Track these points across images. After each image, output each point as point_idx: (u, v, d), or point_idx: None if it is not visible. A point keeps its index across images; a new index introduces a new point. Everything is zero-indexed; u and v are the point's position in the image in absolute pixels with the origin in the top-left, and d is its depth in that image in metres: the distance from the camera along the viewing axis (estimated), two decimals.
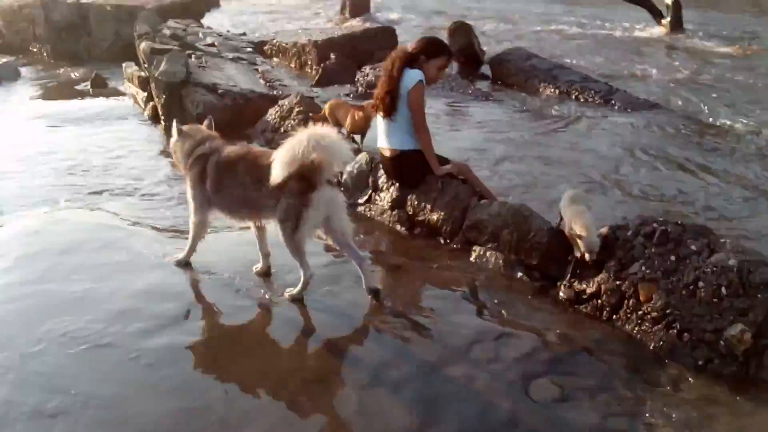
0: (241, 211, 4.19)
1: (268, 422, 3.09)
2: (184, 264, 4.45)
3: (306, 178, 3.69)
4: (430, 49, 4.88)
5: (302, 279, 3.98)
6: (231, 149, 4.17)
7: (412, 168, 4.99)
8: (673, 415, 3.18)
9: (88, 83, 10.72)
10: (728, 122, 8.16)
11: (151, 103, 8.40)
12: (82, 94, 10.33)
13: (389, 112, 4.83)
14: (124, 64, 10.21)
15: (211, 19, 14.97)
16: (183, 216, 5.08)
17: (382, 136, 5.06)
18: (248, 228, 4.42)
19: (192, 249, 4.42)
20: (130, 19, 12.49)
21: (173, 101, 7.85)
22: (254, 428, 3.04)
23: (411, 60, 4.80)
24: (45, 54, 13.13)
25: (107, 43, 12.68)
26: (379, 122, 5.05)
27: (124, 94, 10.03)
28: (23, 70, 11.93)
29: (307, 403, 3.22)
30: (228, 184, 4.07)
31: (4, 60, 11.85)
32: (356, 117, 5.95)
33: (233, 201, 4.13)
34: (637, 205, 5.71)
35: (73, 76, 11.71)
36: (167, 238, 5.07)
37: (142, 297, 4.12)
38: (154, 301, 4.07)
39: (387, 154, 5.05)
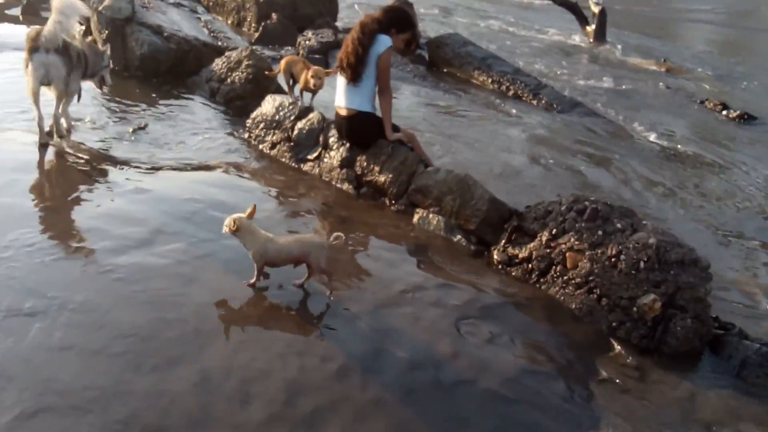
0: None
1: (239, 336, 3.41)
2: None
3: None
4: (400, 23, 5.21)
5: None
6: None
7: (366, 130, 5.30)
8: (588, 365, 3.71)
9: (19, 9, 10.22)
10: (641, 128, 8.90)
11: (90, 38, 8.18)
12: (12, 20, 9.84)
13: (356, 78, 5.11)
14: None
15: None
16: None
17: (340, 96, 5.32)
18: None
19: None
20: None
21: (116, 38, 7.71)
22: (228, 338, 3.37)
23: (381, 30, 5.09)
24: None
25: None
26: (339, 83, 5.31)
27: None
28: None
29: (273, 325, 3.54)
30: None
31: None
32: (311, 77, 6.11)
33: None
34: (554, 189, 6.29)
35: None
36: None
37: (106, 219, 4.27)
38: (118, 224, 4.23)
39: (344, 113, 5.33)
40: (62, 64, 5.28)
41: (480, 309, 4.03)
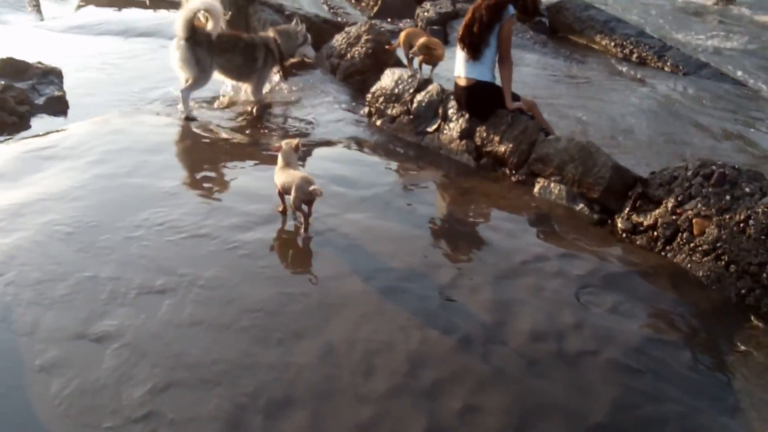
0: None
1: (363, 309, 3.47)
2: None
3: None
4: (523, 4, 5.19)
5: None
6: None
7: (486, 99, 5.28)
8: (716, 334, 3.61)
9: None
10: None
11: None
12: (141, 5, 10.49)
13: (476, 56, 5.14)
14: None
15: None
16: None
17: (460, 67, 5.33)
18: None
19: None
20: None
21: (240, 18, 8.09)
22: (351, 311, 3.43)
23: (504, 4, 5.09)
24: None
25: None
26: (459, 54, 5.35)
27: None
28: None
29: (395, 296, 3.60)
30: None
31: None
32: (432, 48, 6.15)
33: None
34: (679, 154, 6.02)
35: None
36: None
37: (231, 197, 4.51)
38: (243, 201, 4.43)
39: (463, 83, 5.33)
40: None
41: (603, 278, 3.94)
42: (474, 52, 5.15)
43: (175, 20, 5.85)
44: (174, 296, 3.42)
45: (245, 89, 6.42)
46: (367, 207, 4.52)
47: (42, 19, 8.98)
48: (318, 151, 5.52)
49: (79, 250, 3.73)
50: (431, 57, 6.17)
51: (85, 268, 3.57)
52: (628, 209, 4.51)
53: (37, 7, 9.51)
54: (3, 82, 5.80)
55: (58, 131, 5.42)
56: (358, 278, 3.73)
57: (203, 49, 5.86)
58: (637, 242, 4.38)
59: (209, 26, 5.89)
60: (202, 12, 5.86)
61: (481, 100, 5.31)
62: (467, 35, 5.16)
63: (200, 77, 5.94)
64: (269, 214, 4.29)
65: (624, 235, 4.46)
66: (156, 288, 3.47)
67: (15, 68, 6.21)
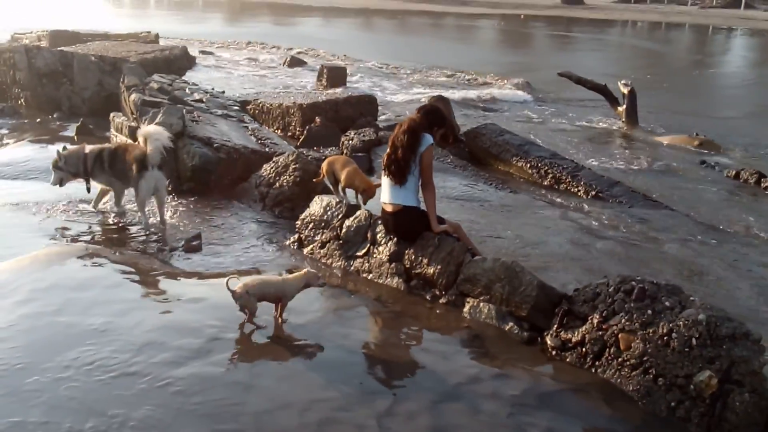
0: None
1: None
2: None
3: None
4: (436, 120, 5.48)
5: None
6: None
7: (412, 223, 5.44)
8: None
9: (74, 130, 10.94)
10: (681, 206, 8.84)
11: None
12: (68, 140, 10.50)
13: (402, 181, 5.36)
14: (111, 114, 10.37)
15: (191, 77, 15.42)
16: None
17: (386, 193, 5.53)
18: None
19: None
20: (114, 71, 12.82)
21: (168, 152, 8.17)
22: None
23: (423, 131, 5.36)
24: (22, 100, 13.30)
25: (89, 93, 12.88)
26: (385, 182, 5.54)
27: (107, 143, 10.22)
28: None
29: (332, 428, 3.56)
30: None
31: None
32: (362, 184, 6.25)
33: None
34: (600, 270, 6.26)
35: (56, 123, 11.92)
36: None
37: (162, 331, 4.41)
38: (174, 335, 4.35)
39: (390, 209, 5.50)
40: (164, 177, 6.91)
41: (537, 398, 4.00)
42: (399, 177, 5.37)
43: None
44: None
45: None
46: (299, 335, 4.53)
47: None
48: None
49: (5, 394, 3.62)
50: (364, 192, 6.27)
51: (13, 413, 3.46)
52: (556, 326, 4.62)
53: None
54: None
55: None
56: (294, 411, 3.69)
57: None
58: (567, 359, 4.47)
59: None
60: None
61: (408, 224, 5.47)
62: (392, 162, 5.39)
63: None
64: (201, 347, 4.23)
65: (554, 352, 4.55)
66: (86, 431, 3.36)
67: None
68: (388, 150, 5.52)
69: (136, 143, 7.01)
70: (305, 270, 4.76)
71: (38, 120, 12.01)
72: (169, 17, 37.78)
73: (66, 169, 6.93)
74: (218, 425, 3.49)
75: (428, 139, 5.35)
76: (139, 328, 4.42)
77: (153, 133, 6.89)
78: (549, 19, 49.04)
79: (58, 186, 6.99)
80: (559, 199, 8.76)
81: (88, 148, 7.06)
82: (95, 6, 43.13)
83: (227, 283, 4.49)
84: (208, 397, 3.73)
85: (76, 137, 10.77)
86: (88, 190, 7.06)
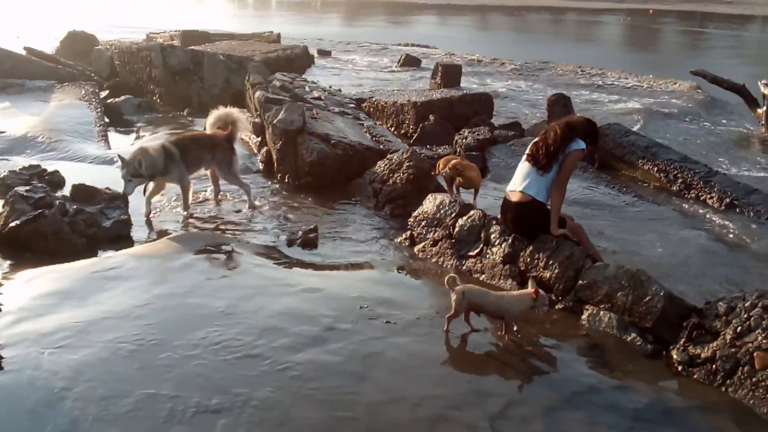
0: None
1: None
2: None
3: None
4: (593, 135, 5.43)
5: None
6: None
7: (534, 220, 5.32)
8: None
9: (202, 125, 11.45)
10: None
11: (265, 148, 9.00)
12: None
13: (547, 167, 5.25)
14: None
15: (309, 76, 15.84)
16: None
17: (518, 180, 5.42)
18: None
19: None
20: (239, 69, 13.37)
21: (288, 147, 8.41)
22: None
23: (579, 135, 5.29)
24: (157, 95, 14.10)
25: (216, 90, 13.48)
26: (522, 168, 5.44)
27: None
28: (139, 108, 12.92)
29: (443, 426, 3.54)
30: None
31: (125, 97, 12.88)
32: (461, 169, 6.24)
33: None
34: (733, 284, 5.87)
35: (186, 119, 12.56)
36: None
37: (282, 318, 4.56)
38: (293, 322, 4.49)
39: (516, 198, 5.39)
40: None
41: (661, 413, 3.81)
42: (545, 163, 5.25)
43: None
44: (228, 416, 3.49)
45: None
46: (412, 331, 4.52)
47: (109, 149, 9.48)
48: (363, 273, 5.61)
49: (141, 367, 3.87)
50: (464, 179, 6.25)
51: (147, 386, 3.68)
52: (683, 340, 4.37)
53: (104, 138, 10.06)
54: (75, 207, 6.12)
55: (122, 252, 5.64)
56: (406, 405, 3.70)
57: None
58: (695, 375, 4.23)
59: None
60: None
61: (529, 219, 5.35)
62: (541, 147, 5.31)
63: None
64: (317, 335, 4.34)
65: (680, 367, 4.31)
66: (212, 407, 3.54)
67: (85, 194, 6.55)
68: (536, 138, 5.47)
69: (194, 131, 7.35)
70: (533, 290, 4.54)
71: (171, 115, 12.67)
72: (290, 17, 38.99)
73: (146, 174, 6.52)
74: (334, 412, 3.57)
75: (581, 143, 5.26)
76: (261, 313, 4.58)
77: (240, 116, 7.35)
78: (681, 14, 46.68)
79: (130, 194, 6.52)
80: (688, 206, 8.28)
81: (149, 146, 6.79)
82: (222, 7, 45.25)
83: (447, 280, 4.57)
84: (323, 383, 3.82)
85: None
86: (145, 192, 6.77)
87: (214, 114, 7.41)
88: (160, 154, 6.64)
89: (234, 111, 7.50)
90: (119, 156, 6.58)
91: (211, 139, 7.23)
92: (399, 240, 6.44)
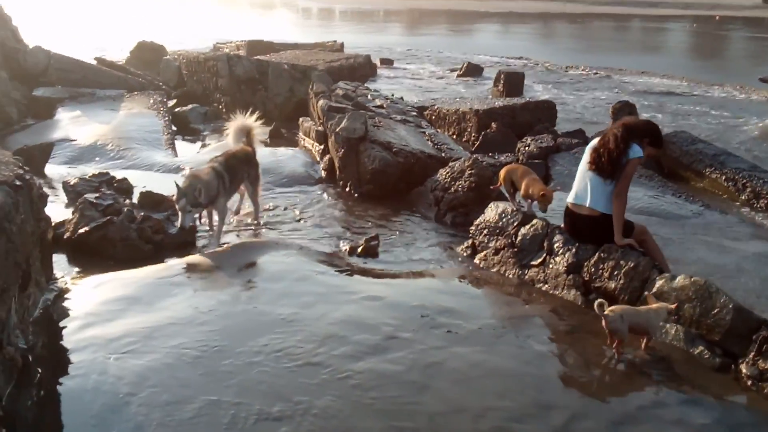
0: None
1: None
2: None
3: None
4: (654, 138, 5.27)
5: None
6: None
7: (605, 233, 5.21)
8: None
9: (267, 134, 11.71)
10: None
11: (328, 156, 9.14)
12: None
13: (613, 174, 5.15)
14: (300, 119, 11.11)
15: (372, 84, 15.99)
16: None
17: (584, 193, 5.32)
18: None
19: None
20: (303, 78, 13.60)
21: (350, 155, 8.52)
22: None
23: (638, 136, 5.18)
24: (223, 104, 14.47)
25: (281, 99, 13.76)
26: (583, 177, 5.34)
27: (296, 145, 10.85)
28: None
29: None
30: None
31: (192, 105, 13.28)
32: (539, 190, 6.12)
33: None
34: None
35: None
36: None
37: (342, 326, 4.59)
38: (354, 330, 4.53)
39: (585, 212, 5.31)
40: None
41: (730, 429, 3.70)
42: (610, 169, 5.14)
43: None
44: (290, 424, 3.52)
45: None
46: (474, 341, 4.50)
47: (176, 156, 9.76)
48: (423, 282, 5.61)
49: (204, 373, 3.92)
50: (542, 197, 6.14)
51: (210, 392, 3.73)
52: (753, 354, 4.23)
53: (172, 146, 10.38)
54: (142, 214, 6.31)
55: (188, 259, 5.79)
56: (467, 416, 3.68)
57: None
58: (765, 390, 4.09)
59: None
60: None
61: (600, 233, 5.25)
62: (603, 154, 5.19)
63: None
64: (378, 344, 4.35)
65: (750, 382, 4.18)
66: (273, 414, 3.58)
67: (152, 201, 6.80)
68: (595, 144, 5.35)
69: (234, 148, 6.96)
70: (674, 305, 4.52)
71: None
72: (353, 27, 39.41)
73: (204, 201, 6.08)
74: (394, 422, 3.57)
75: (639, 152, 5.12)
76: (322, 321, 4.63)
77: (256, 125, 7.22)
78: (748, 21, 45.06)
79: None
80: (757, 217, 8.00)
81: (200, 172, 6.32)
82: (286, 17, 46.11)
83: (596, 305, 4.45)
84: (384, 393, 3.83)
85: (268, 140, 11.54)
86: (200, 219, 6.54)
87: (234, 126, 7.17)
88: (213, 177, 6.23)
89: (249, 120, 7.23)
90: (176, 184, 5.99)
91: (248, 155, 6.95)
92: (460, 249, 6.44)
